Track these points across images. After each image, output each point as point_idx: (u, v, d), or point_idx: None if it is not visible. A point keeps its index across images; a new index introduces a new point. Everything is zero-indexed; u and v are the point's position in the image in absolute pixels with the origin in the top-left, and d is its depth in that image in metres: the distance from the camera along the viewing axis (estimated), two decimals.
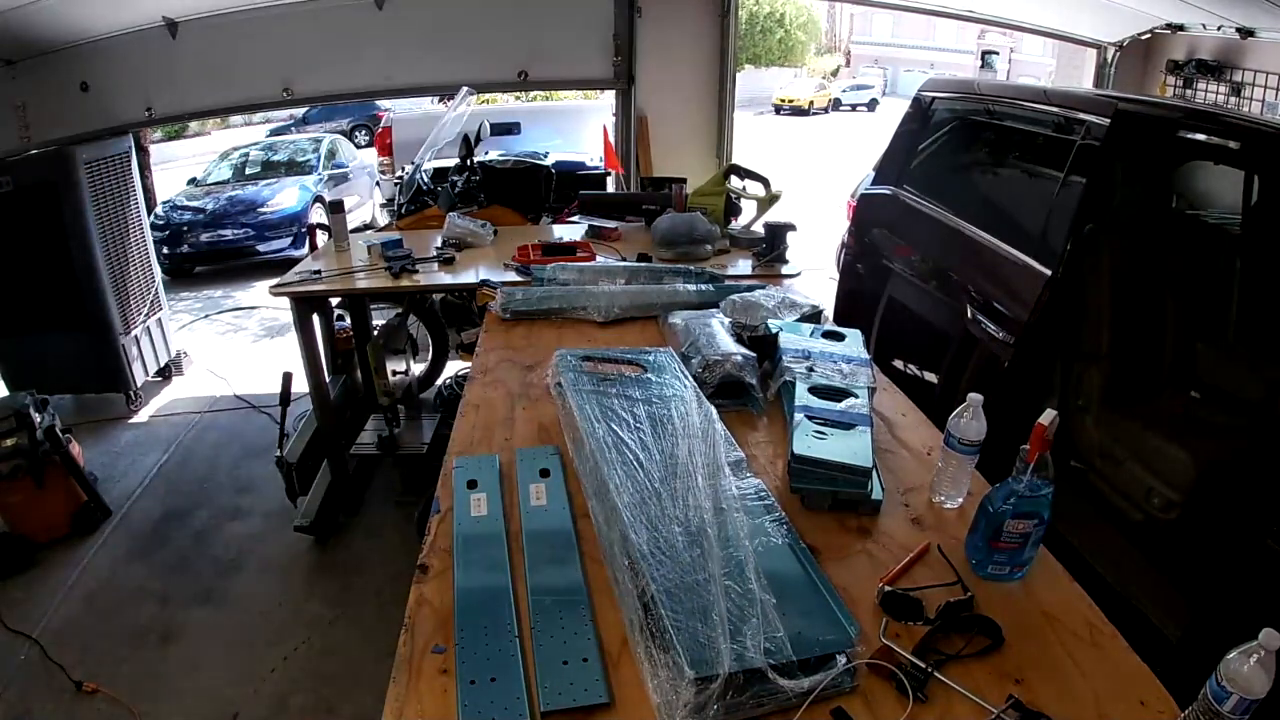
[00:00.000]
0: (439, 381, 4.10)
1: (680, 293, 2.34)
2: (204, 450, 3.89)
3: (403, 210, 3.98)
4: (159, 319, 4.54)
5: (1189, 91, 4.39)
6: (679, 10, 4.31)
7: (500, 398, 1.82)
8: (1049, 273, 2.11)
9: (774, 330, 1.89)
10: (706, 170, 4.24)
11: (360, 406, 3.69)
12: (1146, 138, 2.10)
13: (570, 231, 3.43)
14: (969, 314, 2.42)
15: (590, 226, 3.31)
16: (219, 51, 4.06)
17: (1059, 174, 2.21)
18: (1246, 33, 3.93)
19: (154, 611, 2.76)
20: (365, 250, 2.99)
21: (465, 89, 4.10)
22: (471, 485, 1.42)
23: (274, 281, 2.83)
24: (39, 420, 3.01)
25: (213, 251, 7.34)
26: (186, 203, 7.56)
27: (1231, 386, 1.99)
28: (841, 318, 3.10)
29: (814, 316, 2.07)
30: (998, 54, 23.52)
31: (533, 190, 4.02)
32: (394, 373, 3.66)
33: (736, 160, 3.96)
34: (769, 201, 3.25)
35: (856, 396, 1.58)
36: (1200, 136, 2.11)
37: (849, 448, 1.40)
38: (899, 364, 2.93)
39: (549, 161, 4.75)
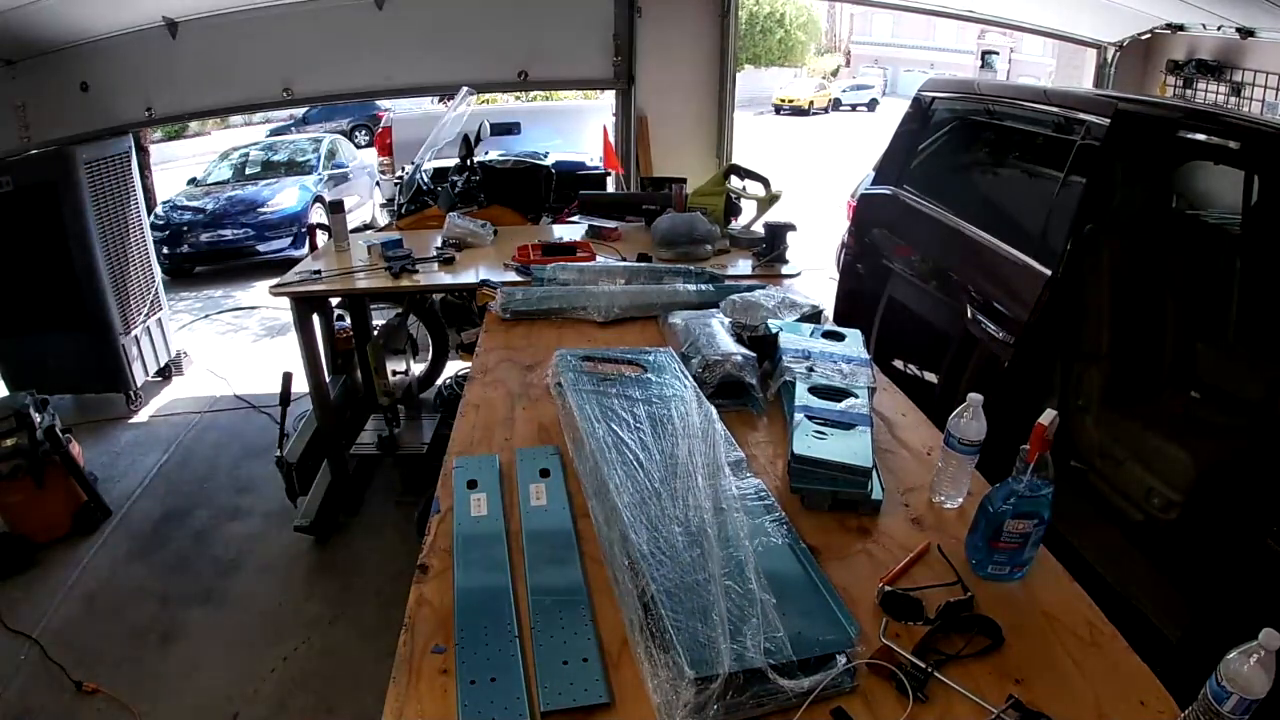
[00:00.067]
0: (439, 381, 4.10)
1: (680, 293, 2.33)
2: (204, 450, 3.89)
3: (403, 210, 3.97)
4: (159, 319, 4.54)
5: (1189, 91, 4.39)
6: (679, 10, 4.31)
7: (500, 398, 1.82)
8: (1049, 273, 2.11)
9: (774, 330, 1.89)
10: (706, 170, 4.24)
11: (360, 406, 3.69)
12: (1146, 138, 2.10)
13: (570, 231, 3.43)
14: (969, 314, 2.42)
15: (590, 226, 3.31)
16: (219, 51, 4.06)
17: (1059, 174, 2.21)
18: (1246, 33, 3.94)
19: (154, 611, 2.76)
20: (365, 250, 2.99)
21: (465, 89, 4.10)
22: (471, 485, 1.42)
23: (274, 281, 2.83)
24: (39, 420, 3.01)
25: (213, 251, 7.34)
26: (186, 203, 7.56)
27: (1231, 386, 1.99)
28: (841, 318, 3.10)
29: (814, 316, 2.07)
30: (998, 54, 23.52)
31: (533, 190, 4.02)
32: (394, 373, 3.66)
33: (736, 160, 3.96)
34: (769, 201, 3.25)
35: (856, 396, 1.58)
36: (1200, 136, 2.11)
37: (849, 448, 1.40)
38: (899, 364, 2.93)
39: (549, 161, 4.75)
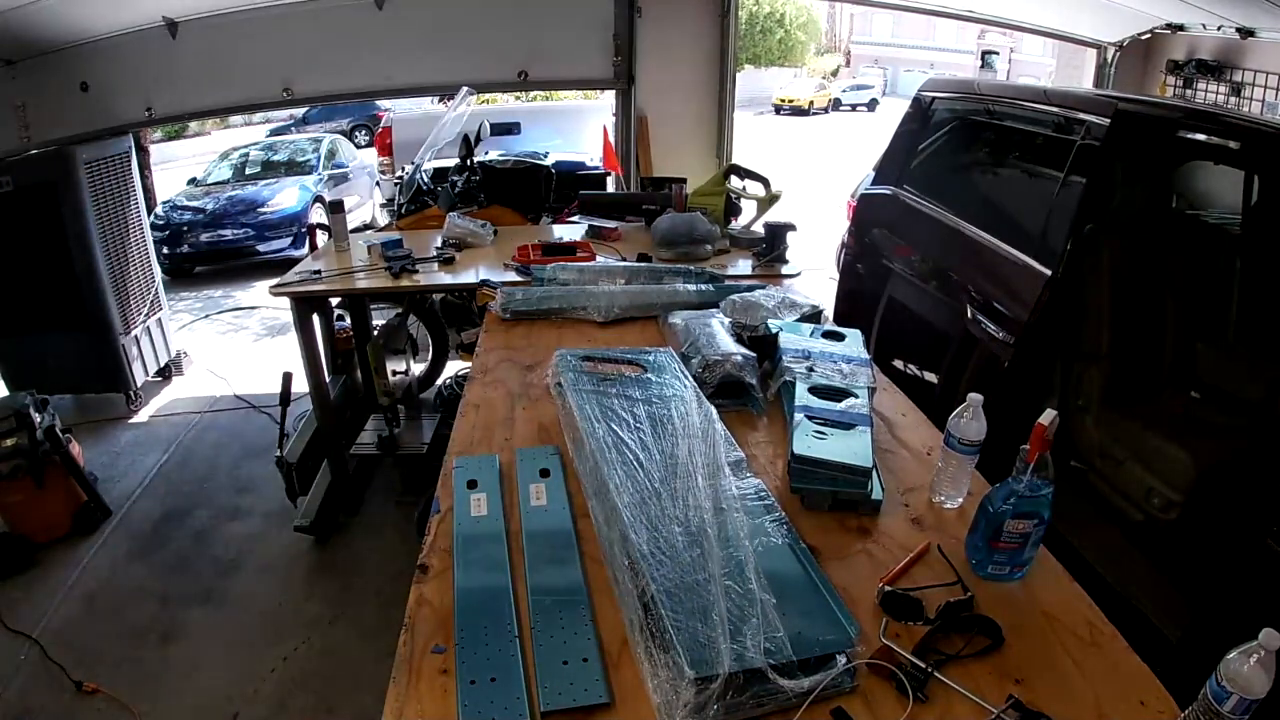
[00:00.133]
0: (439, 381, 4.10)
1: (680, 293, 2.33)
2: (204, 450, 3.89)
3: (403, 210, 3.97)
4: (159, 319, 4.54)
5: (1189, 91, 4.39)
6: (679, 10, 4.31)
7: (500, 398, 1.82)
8: (1049, 273, 2.11)
9: (774, 330, 1.89)
10: (706, 170, 4.24)
11: (360, 406, 3.69)
12: (1146, 138, 2.10)
13: (570, 231, 3.43)
14: (969, 314, 2.42)
15: (590, 226, 3.31)
16: (219, 51, 4.06)
17: (1059, 174, 2.21)
18: (1246, 33, 3.94)
19: (154, 611, 2.76)
20: (365, 250, 2.99)
21: (465, 89, 4.10)
22: (471, 485, 1.42)
23: (274, 281, 2.83)
24: (39, 420, 3.01)
25: (213, 251, 7.34)
26: (186, 203, 7.56)
27: (1231, 386, 1.99)
28: (841, 318, 3.10)
29: (814, 316, 2.07)
30: (998, 54, 23.52)
31: (533, 190, 4.02)
32: (394, 373, 3.66)
33: (736, 160, 3.96)
34: (769, 201, 3.25)
35: (856, 396, 1.58)
36: (1200, 136, 2.11)
37: (849, 448, 1.40)
38: (899, 364, 2.93)
39: (549, 161, 4.75)
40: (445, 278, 2.90)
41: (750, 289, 2.25)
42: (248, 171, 8.37)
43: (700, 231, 2.92)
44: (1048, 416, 1.13)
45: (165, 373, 4.65)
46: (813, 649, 0.98)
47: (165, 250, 6.89)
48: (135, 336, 4.25)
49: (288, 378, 3.04)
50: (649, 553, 1.13)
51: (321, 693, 2.37)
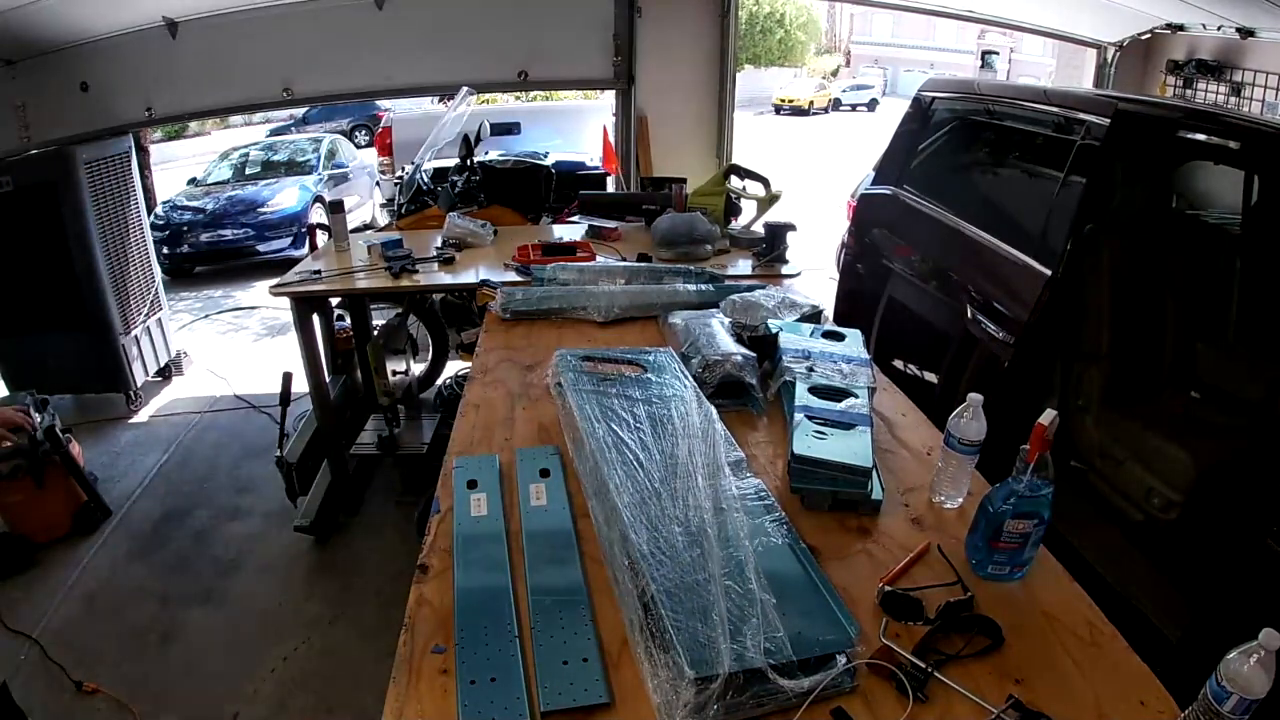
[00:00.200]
0: (439, 381, 4.10)
1: (680, 293, 2.33)
2: (204, 450, 3.89)
3: (403, 210, 3.97)
4: (159, 319, 4.54)
5: (1189, 91, 4.39)
6: (679, 10, 4.31)
7: (500, 398, 1.82)
8: (1049, 273, 2.11)
9: (774, 330, 1.89)
10: (706, 170, 4.24)
11: (360, 406, 3.69)
12: (1146, 138, 2.10)
13: (570, 231, 3.43)
14: (969, 314, 2.42)
15: (590, 226, 3.31)
16: (219, 51, 4.06)
17: (1059, 174, 2.22)
18: (1246, 33, 3.94)
19: (154, 611, 2.76)
20: (365, 250, 2.99)
21: (465, 89, 4.10)
22: (471, 485, 1.42)
23: (274, 281, 2.83)
24: (39, 420, 3.01)
25: (213, 251, 7.34)
26: (186, 203, 7.57)
27: (1231, 386, 1.99)
28: (841, 318, 3.10)
29: (814, 316, 2.07)
30: (998, 54, 23.52)
31: (533, 190, 4.02)
32: (394, 373, 3.66)
33: (736, 160, 3.96)
34: (769, 201, 3.25)
35: (856, 396, 1.58)
36: (1200, 136, 2.11)
37: (849, 448, 1.40)
38: (899, 364, 2.93)
39: (549, 161, 4.75)
40: (445, 278, 2.90)
41: (750, 289, 2.25)
42: (248, 171, 8.37)
43: (700, 231, 2.92)
44: (1048, 416, 1.13)
45: (165, 373, 4.65)
46: (813, 649, 0.98)
47: (165, 250, 6.89)
48: (135, 336, 4.25)
49: (288, 378, 3.04)
50: (649, 553, 1.13)
51: (321, 693, 2.37)
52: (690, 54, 4.42)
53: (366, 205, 8.96)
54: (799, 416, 1.49)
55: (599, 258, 2.88)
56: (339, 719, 2.29)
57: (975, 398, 1.30)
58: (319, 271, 2.90)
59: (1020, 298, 2.18)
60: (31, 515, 3.06)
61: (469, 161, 4.00)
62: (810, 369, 1.67)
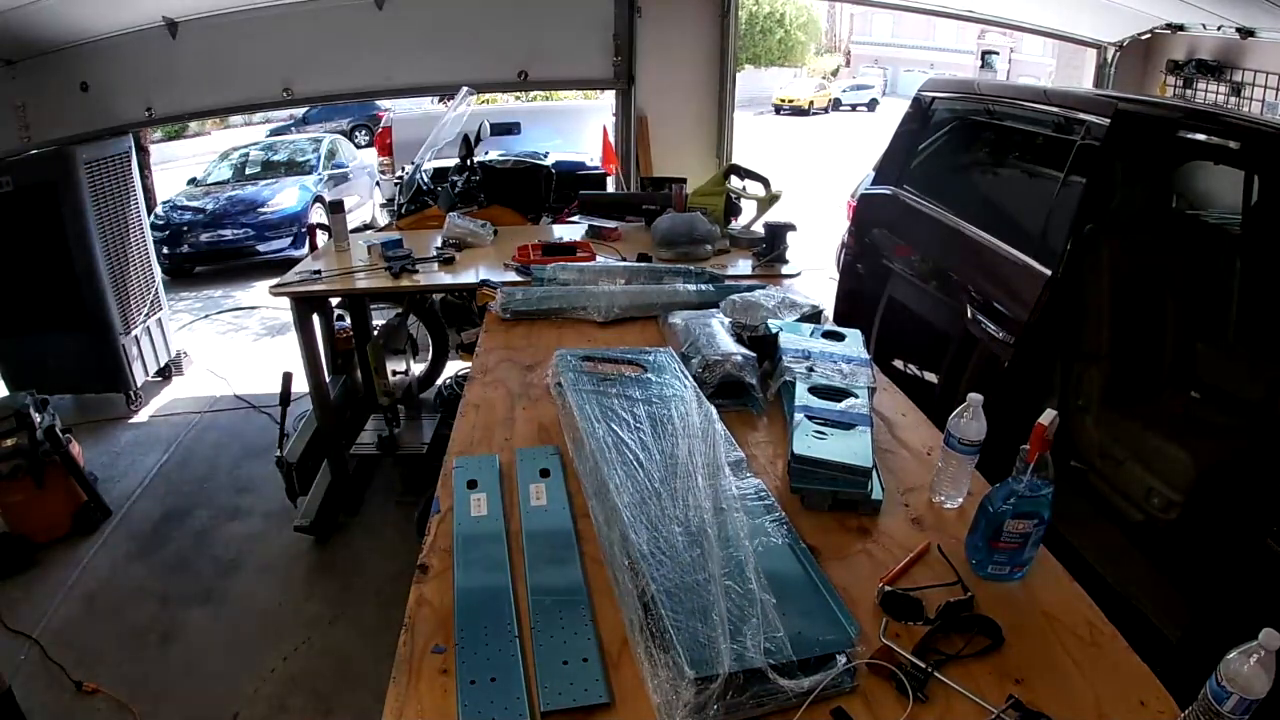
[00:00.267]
0: (439, 381, 4.10)
1: (680, 293, 2.33)
2: (204, 450, 3.89)
3: (403, 210, 3.97)
4: (159, 319, 4.54)
5: (1189, 91, 4.39)
6: (679, 10, 4.31)
7: (500, 398, 1.82)
8: (1049, 273, 2.11)
9: (774, 330, 1.89)
10: (706, 170, 4.24)
11: (360, 406, 3.69)
12: (1146, 138, 2.10)
13: (570, 231, 3.43)
14: (969, 314, 2.42)
15: (590, 226, 3.31)
16: (219, 51, 4.06)
17: (1059, 174, 2.22)
18: (1246, 33, 3.94)
19: (154, 611, 2.76)
20: (365, 250, 2.99)
21: (465, 89, 4.10)
22: (471, 485, 1.42)
23: (274, 281, 2.83)
24: (39, 420, 3.01)
25: (213, 251, 7.34)
26: (186, 203, 7.56)
27: (1231, 386, 1.99)
28: (841, 318, 3.10)
29: (814, 316, 2.07)
30: (998, 54, 23.51)
31: (533, 190, 4.02)
32: (394, 373, 3.66)
33: (736, 160, 3.96)
34: (769, 201, 3.25)
35: (856, 396, 1.58)
36: (1200, 136, 2.11)
37: (849, 448, 1.40)
38: (899, 364, 2.93)
39: (549, 161, 4.75)
40: (445, 278, 2.89)
41: (750, 289, 2.25)
42: (248, 171, 8.37)
43: (700, 231, 2.92)
44: (1048, 416, 1.13)
45: (165, 373, 4.65)
46: (813, 649, 0.98)
47: (165, 250, 6.89)
48: (135, 336, 4.25)
49: (288, 378, 3.04)
50: (649, 553, 1.13)
51: (321, 693, 2.37)
52: (690, 54, 4.42)
53: (366, 205, 8.96)
54: (799, 416, 1.49)
55: (599, 258, 2.88)
56: (339, 719, 2.29)
57: (975, 398, 1.30)
58: (319, 271, 2.90)
59: (1020, 298, 2.18)
60: (31, 515, 3.06)
61: (469, 161, 3.99)
62: (810, 369, 1.67)
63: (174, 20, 3.94)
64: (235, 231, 7.32)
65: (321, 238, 3.88)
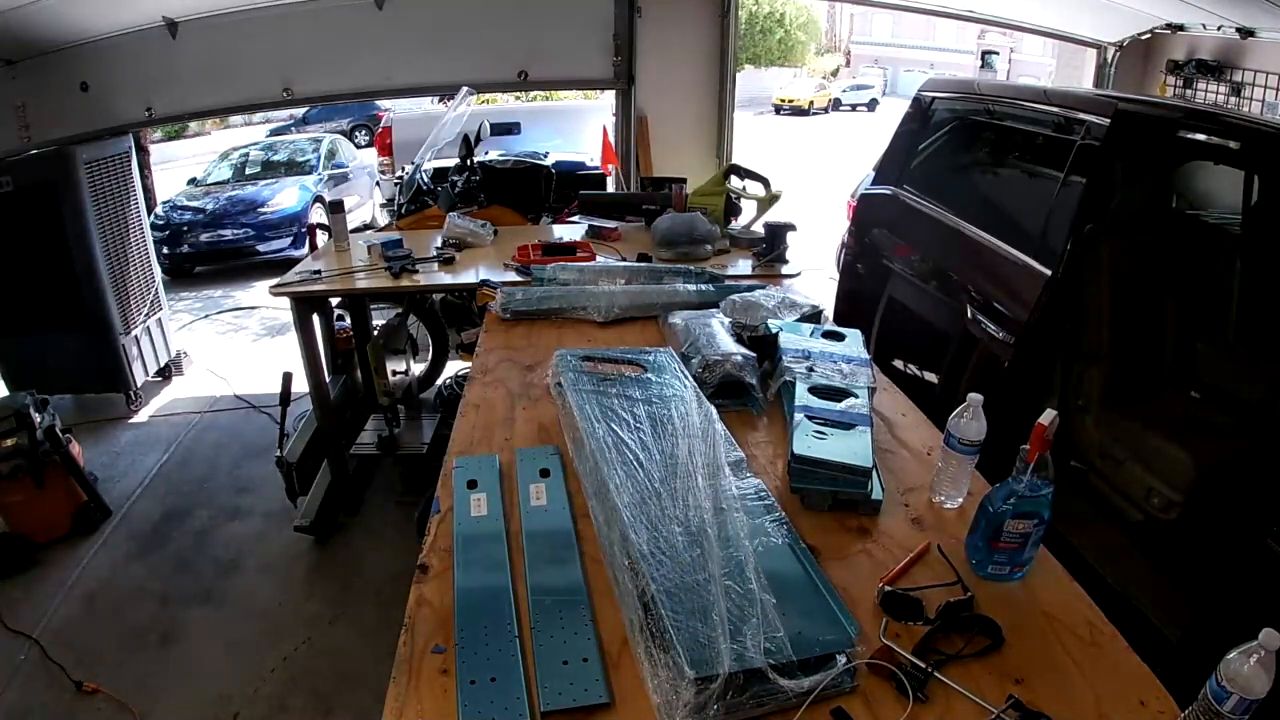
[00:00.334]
0: (439, 381, 4.10)
1: (680, 293, 2.33)
2: (204, 450, 3.89)
3: (403, 210, 3.97)
4: (159, 319, 4.54)
5: (1189, 91, 4.39)
6: (679, 10, 4.31)
7: (500, 398, 1.82)
8: (1049, 273, 2.11)
9: (774, 330, 1.89)
10: (706, 170, 4.24)
11: (360, 406, 3.69)
12: (1146, 138, 2.10)
13: (570, 231, 3.43)
14: (969, 314, 2.42)
15: (590, 226, 3.31)
16: (219, 51, 4.06)
17: (1059, 174, 2.22)
18: (1246, 33, 3.94)
19: (154, 611, 2.76)
20: (365, 250, 2.99)
21: (465, 89, 4.10)
22: (471, 485, 1.42)
23: (274, 281, 2.83)
24: (39, 420, 3.00)
25: (213, 251, 7.34)
26: (186, 203, 7.56)
27: (1231, 386, 1.99)
28: (841, 318, 3.10)
29: (814, 316, 2.07)
30: (998, 54, 23.51)
31: (533, 190, 4.02)
32: (394, 373, 3.66)
33: (736, 160, 3.96)
34: (769, 201, 3.25)
35: (856, 396, 1.58)
36: (1200, 136, 2.11)
37: (849, 448, 1.40)
38: (899, 364, 2.93)
39: (549, 161, 4.75)
40: (445, 278, 2.89)
41: (750, 289, 2.25)
42: (248, 171, 8.37)
43: (700, 231, 2.92)
44: (1048, 416, 1.13)
45: (165, 373, 4.65)
46: (813, 649, 0.98)
47: (165, 250, 6.89)
48: (135, 336, 4.25)
49: (288, 378, 3.04)
50: (649, 553, 1.13)
51: (321, 693, 2.37)
52: (690, 54, 4.42)
53: (366, 205, 8.96)
54: (799, 416, 1.49)
55: (599, 258, 2.88)
56: (339, 719, 2.29)
57: (975, 398, 1.30)
58: (319, 271, 2.90)
59: (1020, 298, 2.18)
60: (31, 515, 3.06)
61: (469, 161, 3.99)
62: (810, 369, 1.67)
63: (174, 20, 3.94)
64: (235, 231, 7.32)
65: (321, 238, 3.88)
